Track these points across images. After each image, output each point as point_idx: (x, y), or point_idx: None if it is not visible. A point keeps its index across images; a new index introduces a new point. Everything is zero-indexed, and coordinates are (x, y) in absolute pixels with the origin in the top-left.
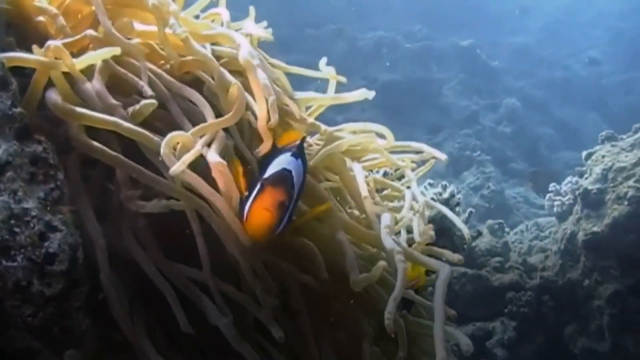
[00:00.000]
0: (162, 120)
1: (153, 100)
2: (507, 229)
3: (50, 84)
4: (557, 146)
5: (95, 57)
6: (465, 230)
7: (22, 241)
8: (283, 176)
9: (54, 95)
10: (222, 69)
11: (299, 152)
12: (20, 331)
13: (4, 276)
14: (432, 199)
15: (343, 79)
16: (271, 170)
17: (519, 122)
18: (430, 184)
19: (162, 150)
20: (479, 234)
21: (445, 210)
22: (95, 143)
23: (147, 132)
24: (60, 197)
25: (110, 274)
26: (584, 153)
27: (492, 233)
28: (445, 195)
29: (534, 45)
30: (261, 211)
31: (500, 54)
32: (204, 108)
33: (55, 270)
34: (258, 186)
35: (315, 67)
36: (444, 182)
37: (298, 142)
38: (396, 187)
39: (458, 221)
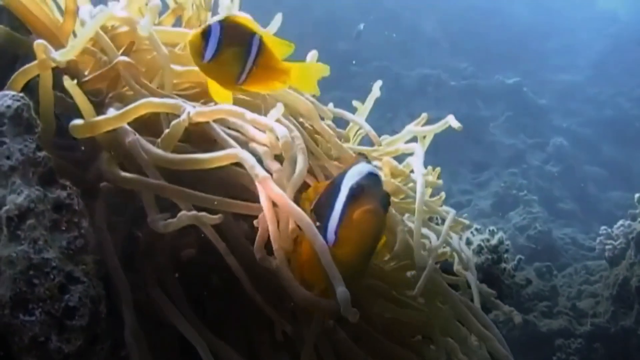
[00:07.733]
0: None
1: (184, 117)
2: (555, 272)
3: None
4: (607, 186)
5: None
6: (472, 272)
7: (40, 294)
8: (376, 180)
9: (75, 121)
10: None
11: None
12: None
13: (21, 331)
14: (479, 245)
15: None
16: (352, 179)
17: (567, 161)
18: (477, 230)
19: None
20: (528, 282)
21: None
22: (130, 175)
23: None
24: (83, 246)
25: (135, 331)
26: (637, 196)
27: (539, 276)
28: (494, 241)
29: (581, 83)
30: (365, 215)
31: (547, 92)
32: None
33: (75, 326)
34: (344, 196)
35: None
36: (491, 228)
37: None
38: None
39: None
